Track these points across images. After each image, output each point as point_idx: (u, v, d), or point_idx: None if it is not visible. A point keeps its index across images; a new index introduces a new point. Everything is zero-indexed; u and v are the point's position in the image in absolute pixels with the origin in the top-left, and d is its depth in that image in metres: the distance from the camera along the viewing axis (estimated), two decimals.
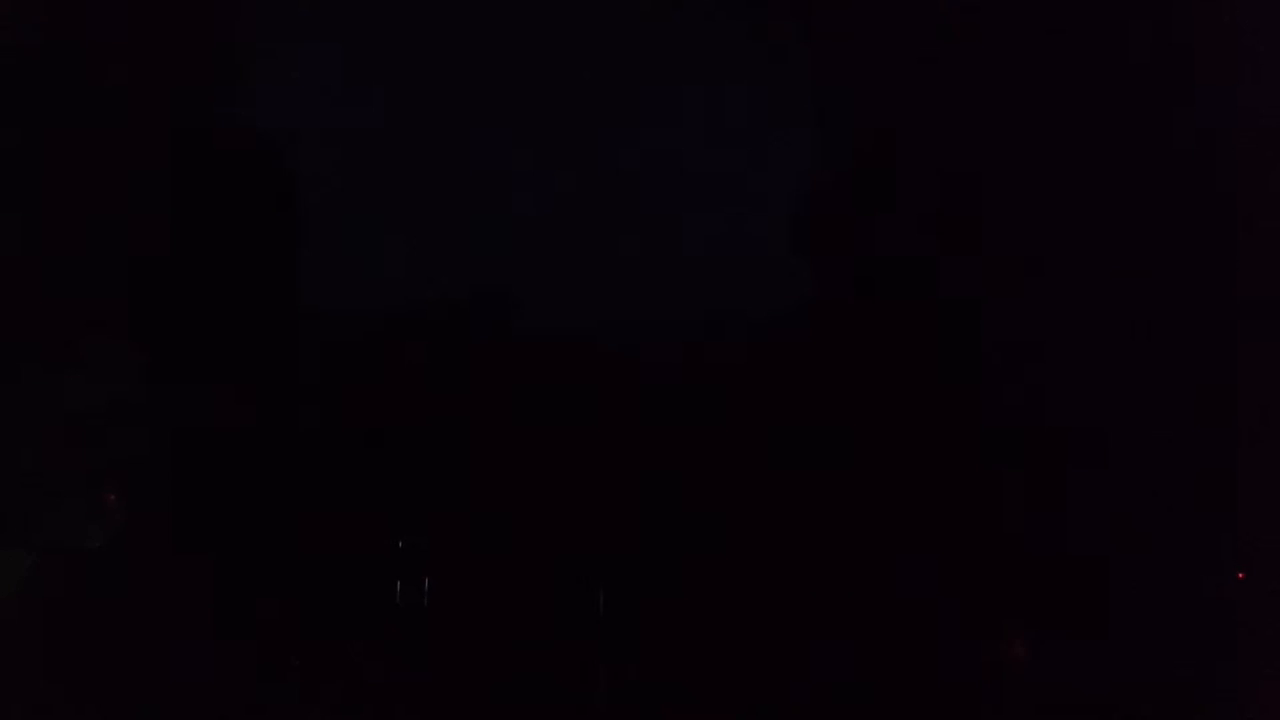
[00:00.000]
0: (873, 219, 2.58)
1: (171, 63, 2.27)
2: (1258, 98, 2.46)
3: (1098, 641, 2.44)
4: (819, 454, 2.56)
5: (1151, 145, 2.52)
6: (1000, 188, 2.55)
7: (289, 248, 2.34)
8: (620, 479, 2.51)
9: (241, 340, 2.24)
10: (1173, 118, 2.51)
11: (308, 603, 2.34)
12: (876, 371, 2.56)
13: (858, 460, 2.55)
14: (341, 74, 2.38)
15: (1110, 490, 2.47)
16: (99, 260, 2.20)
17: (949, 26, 2.50)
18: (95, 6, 2.25)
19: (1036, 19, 2.54)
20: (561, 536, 2.49)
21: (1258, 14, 2.47)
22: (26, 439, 2.08)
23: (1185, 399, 2.49)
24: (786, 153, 2.56)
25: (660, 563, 2.49)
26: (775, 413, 2.57)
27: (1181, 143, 2.50)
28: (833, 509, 2.52)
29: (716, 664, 2.47)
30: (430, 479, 2.45)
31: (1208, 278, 2.50)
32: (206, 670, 2.16)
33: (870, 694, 2.45)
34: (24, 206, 2.24)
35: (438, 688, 2.39)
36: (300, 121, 2.39)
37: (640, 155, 2.51)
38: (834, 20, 2.54)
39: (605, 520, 2.49)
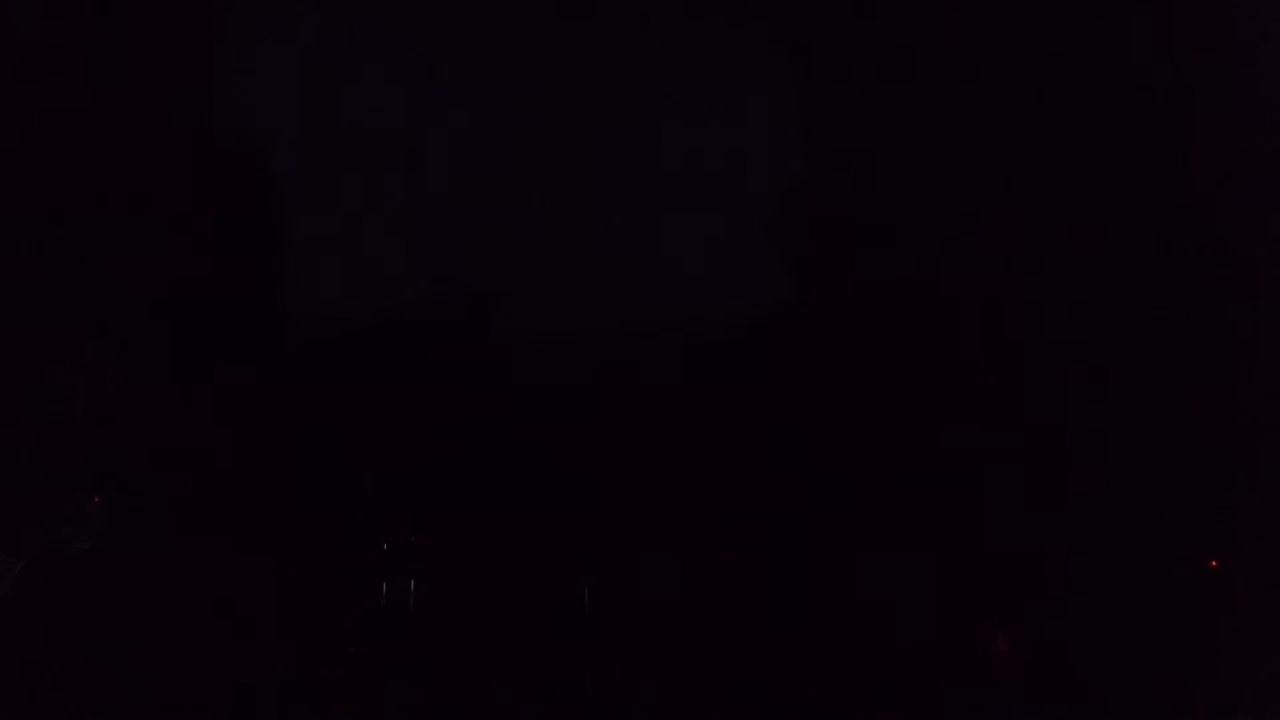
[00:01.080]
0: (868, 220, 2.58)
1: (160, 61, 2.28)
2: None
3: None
4: (812, 453, 2.55)
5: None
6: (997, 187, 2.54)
7: (280, 249, 2.34)
8: (613, 478, 2.50)
9: (231, 342, 2.24)
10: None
11: (296, 603, 2.34)
12: (869, 372, 2.55)
13: (852, 460, 2.54)
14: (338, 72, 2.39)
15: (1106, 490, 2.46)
16: (86, 263, 2.20)
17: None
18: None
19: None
20: (554, 536, 2.48)
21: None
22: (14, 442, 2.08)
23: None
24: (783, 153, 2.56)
25: (653, 562, 2.49)
26: (769, 412, 2.56)
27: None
28: (827, 509, 2.51)
29: (710, 664, 2.46)
30: (423, 479, 2.45)
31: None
32: (196, 674, 2.16)
33: (870, 693, 2.44)
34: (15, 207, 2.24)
35: (428, 687, 2.39)
36: (290, 121, 2.39)
37: (635, 154, 2.50)
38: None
39: (598, 519, 2.49)
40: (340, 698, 2.23)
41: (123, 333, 2.14)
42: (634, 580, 2.47)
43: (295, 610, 2.33)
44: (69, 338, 2.12)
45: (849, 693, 2.42)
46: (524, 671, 2.41)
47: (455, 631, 2.39)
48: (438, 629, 2.38)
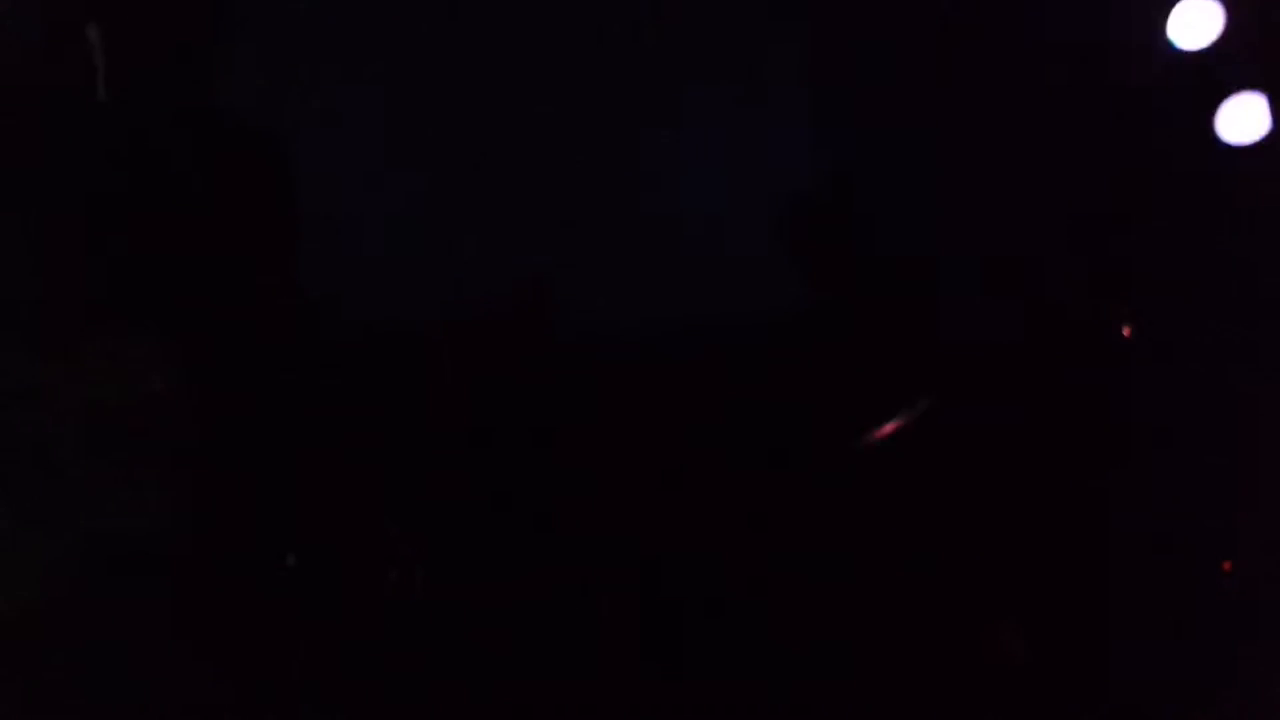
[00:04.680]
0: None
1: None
2: None
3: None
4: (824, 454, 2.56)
5: None
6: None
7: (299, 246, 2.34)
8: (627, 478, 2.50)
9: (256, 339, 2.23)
10: None
11: (309, 596, 2.34)
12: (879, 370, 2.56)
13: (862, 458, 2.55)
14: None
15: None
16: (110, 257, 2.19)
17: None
18: None
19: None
20: (570, 534, 2.48)
21: None
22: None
23: None
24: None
25: (666, 562, 2.49)
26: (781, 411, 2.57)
27: None
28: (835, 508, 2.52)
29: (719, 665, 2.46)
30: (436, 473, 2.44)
31: None
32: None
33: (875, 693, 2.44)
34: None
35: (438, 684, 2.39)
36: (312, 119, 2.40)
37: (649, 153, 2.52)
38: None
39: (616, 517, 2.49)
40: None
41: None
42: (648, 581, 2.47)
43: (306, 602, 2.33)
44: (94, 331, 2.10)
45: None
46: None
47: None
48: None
